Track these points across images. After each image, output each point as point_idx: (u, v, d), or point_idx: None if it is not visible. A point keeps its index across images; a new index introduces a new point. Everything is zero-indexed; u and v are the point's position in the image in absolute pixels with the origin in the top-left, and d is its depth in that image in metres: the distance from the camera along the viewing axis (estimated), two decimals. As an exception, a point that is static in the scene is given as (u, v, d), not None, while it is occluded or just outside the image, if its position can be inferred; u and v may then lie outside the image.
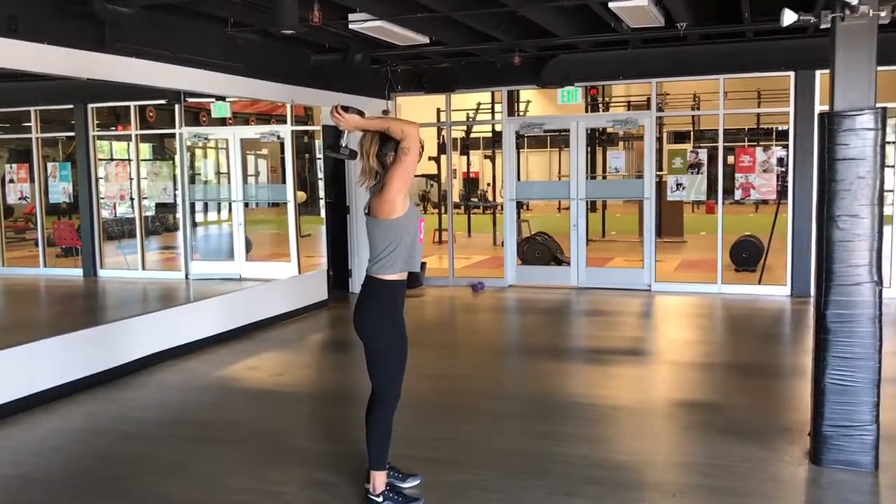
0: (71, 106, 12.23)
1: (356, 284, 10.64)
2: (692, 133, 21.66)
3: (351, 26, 7.50)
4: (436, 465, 4.50)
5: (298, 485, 4.29)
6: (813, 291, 4.44)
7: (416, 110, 13.81)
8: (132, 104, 11.92)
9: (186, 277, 11.99)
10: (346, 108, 3.75)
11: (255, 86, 8.21)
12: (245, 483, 4.31)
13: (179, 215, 12.15)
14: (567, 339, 8.33)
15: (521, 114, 14.98)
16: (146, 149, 13.09)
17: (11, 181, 13.09)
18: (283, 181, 11.44)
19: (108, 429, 5.31)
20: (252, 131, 12.17)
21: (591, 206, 17.38)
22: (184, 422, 5.47)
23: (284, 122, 11.09)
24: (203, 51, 7.32)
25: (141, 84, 6.87)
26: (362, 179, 3.94)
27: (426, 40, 8.37)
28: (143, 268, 12.48)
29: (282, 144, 11.35)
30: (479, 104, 16.51)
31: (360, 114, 3.82)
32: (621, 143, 20.42)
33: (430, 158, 16.87)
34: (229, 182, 11.94)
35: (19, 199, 13.09)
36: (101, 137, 12.68)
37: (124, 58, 6.44)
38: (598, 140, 16.98)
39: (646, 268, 10.25)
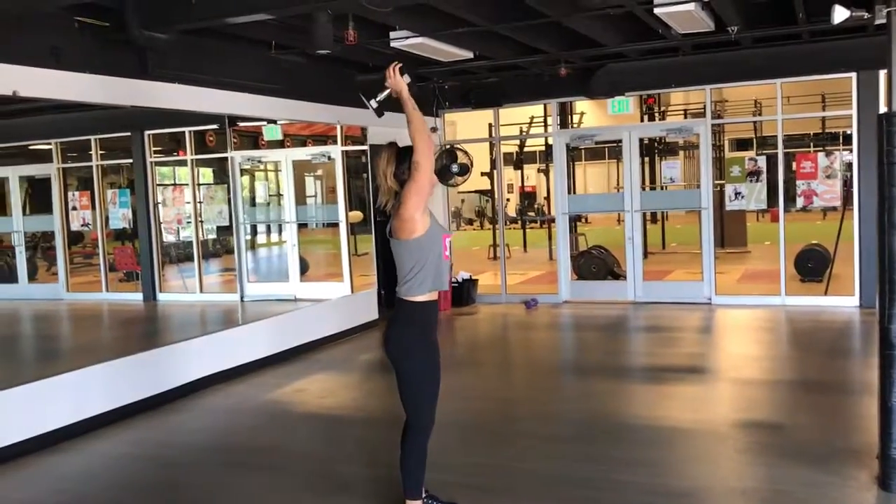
0: (129, 133, 12.50)
1: (408, 303, 10.55)
2: (754, 140, 21.10)
3: (393, 44, 7.45)
4: (478, 492, 4.34)
5: (334, 513, 4.18)
6: (877, 304, 4.15)
7: (468, 126, 13.76)
8: (186, 129, 12.11)
9: (242, 299, 12.08)
10: (404, 70, 3.70)
11: (299, 108, 8.22)
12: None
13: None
14: (622, 356, 8.05)
15: (575, 125, 14.78)
16: (209, 173, 13.27)
17: (74, 208, 13.41)
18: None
19: (151, 454, 5.29)
20: (303, 153, 12.22)
21: (652, 218, 17.06)
22: (227, 447, 5.41)
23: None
24: (246, 74, 7.35)
25: (184, 110, 6.91)
26: (382, 200, 3.83)
27: (470, 55, 8.26)
28: (201, 291, 12.62)
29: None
30: (532, 117, 16.36)
31: (411, 86, 3.75)
32: (681, 153, 20.00)
33: (482, 174, 16.75)
34: (280, 204, 12.02)
35: (82, 225, 13.39)
36: (158, 163, 12.90)
37: (166, 84, 6.49)
38: (657, 150, 16.64)
39: (705, 280, 9.91)
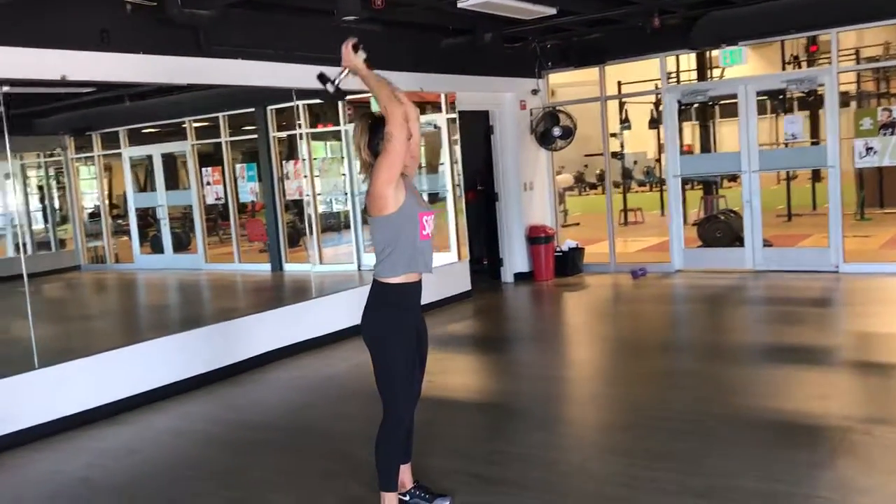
0: (252, 109, 12.84)
1: (508, 274, 10.27)
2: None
3: (460, 4, 7.10)
4: (481, 483, 4.04)
5: (335, 499, 4.02)
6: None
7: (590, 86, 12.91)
8: (300, 103, 12.28)
9: (359, 269, 12.20)
10: (358, 46, 3.46)
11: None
12: (283, 497, 4.12)
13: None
14: (720, 332, 7.37)
15: (714, 78, 13.72)
16: (331, 147, 13.39)
17: (209, 183, 14.04)
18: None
19: (193, 430, 5.36)
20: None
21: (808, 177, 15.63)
22: (265, 425, 5.39)
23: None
24: (312, 46, 7.23)
25: (245, 85, 6.92)
26: (363, 174, 3.59)
27: (552, 10, 7.75)
28: (321, 261, 12.87)
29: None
30: (670, 72, 15.38)
31: (368, 62, 3.51)
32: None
33: (611, 135, 16.01)
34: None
35: (215, 199, 13.99)
36: (280, 138, 13.20)
37: (223, 60, 6.50)
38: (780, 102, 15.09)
39: (832, 246, 8.93)
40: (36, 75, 5.50)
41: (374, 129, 3.45)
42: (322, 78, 3.60)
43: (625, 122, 16.12)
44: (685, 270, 9.92)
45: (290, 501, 4.07)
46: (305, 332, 7.27)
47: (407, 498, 3.79)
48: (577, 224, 16.41)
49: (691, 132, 24.17)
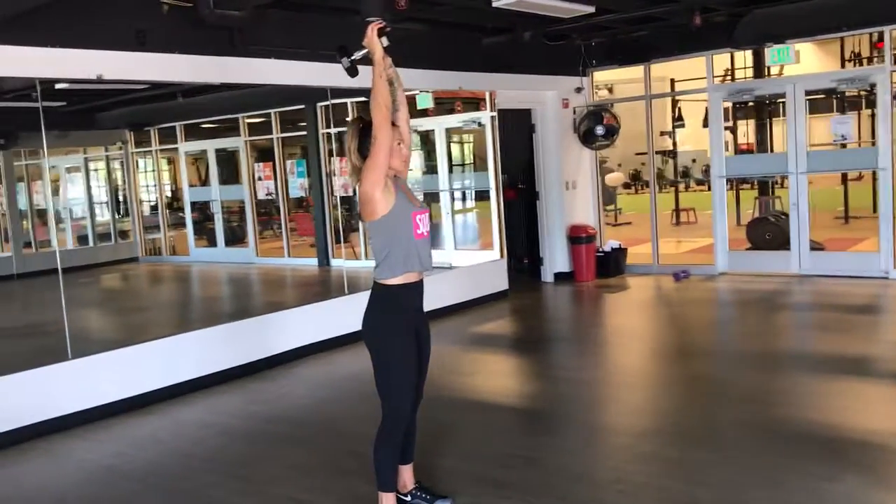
0: (303, 106, 13.02)
1: (548, 274, 10.21)
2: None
3: (495, 4, 7.08)
4: (488, 486, 4.04)
5: (337, 497, 4.07)
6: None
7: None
8: (349, 101, 12.40)
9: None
10: (383, 33, 3.49)
11: (413, 76, 8.06)
12: (290, 491, 4.18)
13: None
14: (755, 338, 7.18)
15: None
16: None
17: (259, 178, 14.29)
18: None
19: (217, 422, 5.48)
20: (455, 120, 12.11)
21: (858, 176, 15.12)
22: (287, 419, 5.48)
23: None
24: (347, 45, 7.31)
25: (280, 84, 7.02)
26: (352, 179, 3.62)
27: (590, 9, 7.67)
28: (366, 257, 12.97)
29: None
30: (727, 70, 15.05)
31: (388, 50, 3.54)
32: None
33: (661, 133, 15.77)
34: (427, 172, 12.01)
35: (266, 195, 14.22)
36: (329, 135, 13.34)
37: (257, 59, 6.61)
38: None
39: (882, 251, 8.64)
40: (73, 75, 5.69)
41: (364, 133, 3.48)
42: (342, 51, 3.65)
43: (678, 121, 15.82)
44: (729, 273, 9.72)
45: (291, 495, 4.13)
46: (339, 328, 7.35)
47: (408, 498, 3.81)
48: (629, 223, 16.21)
49: (751, 130, 23.69)
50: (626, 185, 22.88)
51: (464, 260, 11.03)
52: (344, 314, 7.50)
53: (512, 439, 4.71)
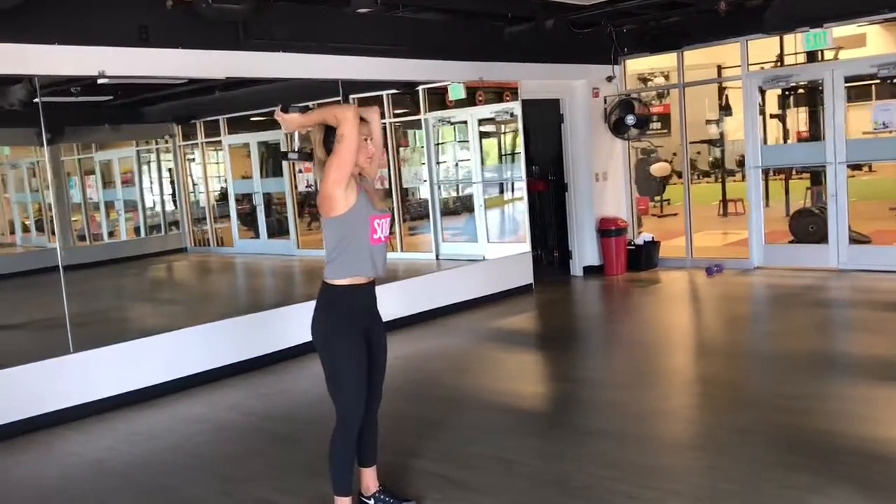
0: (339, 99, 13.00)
1: (577, 267, 10.01)
2: None
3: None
4: (453, 489, 3.94)
5: (306, 499, 4.02)
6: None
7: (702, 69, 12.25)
8: (384, 93, 12.34)
9: (437, 258, 12.19)
10: (286, 109, 3.38)
11: (431, 67, 7.98)
12: (264, 491, 4.14)
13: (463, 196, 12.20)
14: (784, 337, 6.89)
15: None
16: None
17: (300, 171, 14.37)
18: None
19: (215, 417, 5.49)
20: (487, 110, 11.95)
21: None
22: (282, 416, 5.48)
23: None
24: (361, 37, 7.25)
25: (287, 78, 7.00)
26: (316, 173, 3.55)
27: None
28: (402, 249, 12.93)
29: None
30: (779, 54, 14.49)
31: (305, 109, 3.43)
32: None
33: (707, 122, 15.32)
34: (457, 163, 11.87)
35: (306, 187, 14.29)
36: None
37: (264, 53, 6.59)
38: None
39: (926, 245, 8.22)
40: (75, 72, 5.76)
41: (329, 126, 3.39)
42: (284, 156, 3.65)
43: (725, 109, 15.33)
44: (764, 268, 9.37)
45: (264, 496, 4.10)
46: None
47: (371, 502, 3.74)
48: (675, 214, 15.81)
49: (803, 118, 22.86)
50: (681, 175, 22.36)
51: (497, 253, 10.91)
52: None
53: (495, 441, 4.59)
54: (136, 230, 16.46)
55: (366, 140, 3.43)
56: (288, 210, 14.21)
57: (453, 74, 8.36)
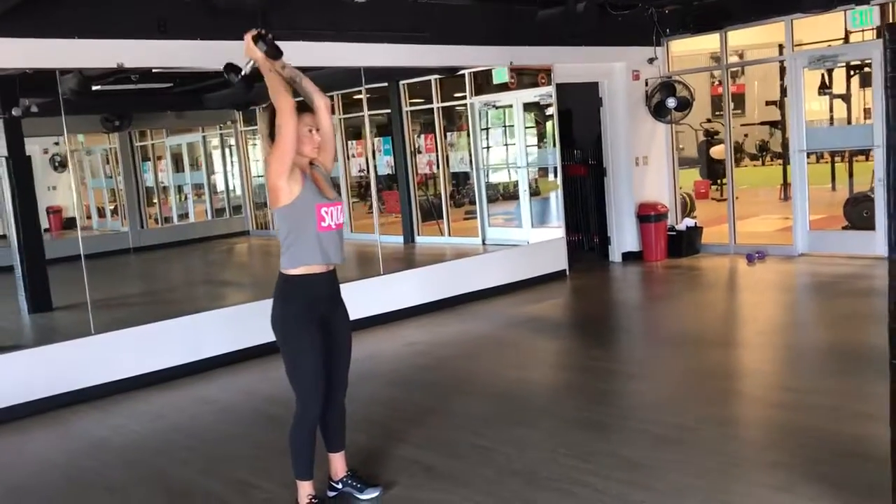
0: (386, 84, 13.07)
1: (616, 253, 9.87)
2: None
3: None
4: (425, 476, 3.98)
5: (279, 482, 4.10)
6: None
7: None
8: (432, 78, 12.35)
9: (483, 243, 12.18)
10: (259, 38, 3.41)
11: (457, 52, 7.95)
12: (243, 473, 4.26)
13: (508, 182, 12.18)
14: (813, 329, 6.69)
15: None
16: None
17: (353, 156, 14.53)
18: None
19: (224, 399, 5.66)
20: (531, 94, 11.83)
21: None
22: (286, 400, 5.54)
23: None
24: (382, 24, 7.28)
25: (306, 66, 7.06)
26: (266, 165, 3.61)
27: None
28: (449, 234, 12.96)
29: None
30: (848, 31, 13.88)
31: (278, 52, 3.44)
32: None
33: (766, 104, 14.80)
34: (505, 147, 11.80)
35: (358, 171, 14.45)
36: (413, 113, 13.34)
37: (283, 43, 6.65)
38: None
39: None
40: (94, 64, 5.97)
41: (273, 118, 3.43)
42: (230, 68, 3.63)
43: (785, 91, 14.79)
44: (808, 255, 9.05)
45: (240, 475, 4.22)
46: (379, 306, 7.39)
47: (339, 486, 3.81)
48: (737, 198, 15.37)
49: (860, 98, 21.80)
50: (753, 157, 21.71)
51: (540, 239, 10.83)
52: (386, 292, 7.55)
53: (480, 429, 4.59)
54: (204, 213, 16.98)
55: (311, 131, 3.47)
56: (342, 193, 14.39)
57: (480, 60, 8.32)
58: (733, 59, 13.19)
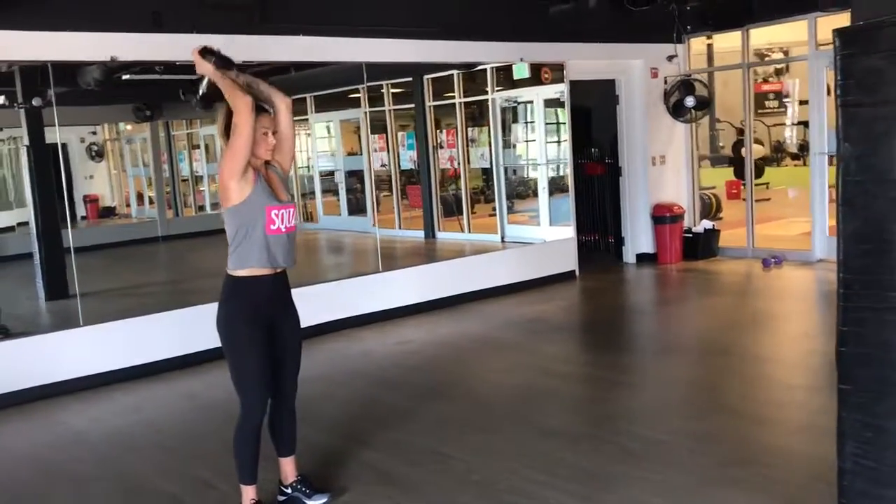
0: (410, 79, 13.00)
1: (630, 254, 9.67)
2: None
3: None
4: (378, 482, 3.91)
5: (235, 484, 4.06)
6: None
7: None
8: (454, 73, 12.24)
9: (502, 240, 12.04)
10: (206, 52, 3.41)
11: (465, 48, 7.83)
12: (205, 472, 4.22)
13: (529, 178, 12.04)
14: (811, 339, 6.44)
15: None
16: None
17: (375, 150, 14.49)
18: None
19: (205, 394, 5.64)
20: (552, 90, 11.64)
21: None
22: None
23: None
24: (387, 20, 7.19)
25: (307, 61, 7.03)
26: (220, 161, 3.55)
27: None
28: (470, 230, 12.85)
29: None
30: None
31: (227, 63, 3.41)
32: None
33: (800, 103, 14.34)
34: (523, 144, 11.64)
35: (381, 165, 14.40)
36: (437, 107, 13.24)
37: (281, 37, 6.64)
38: None
39: None
40: (87, 57, 5.98)
41: (229, 115, 3.38)
42: (187, 89, 3.64)
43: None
44: (828, 260, 8.74)
45: (201, 473, 4.20)
46: (378, 304, 7.33)
47: (289, 491, 3.75)
48: (768, 199, 14.98)
49: None
50: (795, 157, 21.13)
51: (556, 237, 10.67)
52: (384, 290, 7.49)
53: (446, 435, 4.49)
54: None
55: (266, 133, 3.40)
56: (365, 187, 14.37)
57: (489, 55, 8.19)
58: (777, 55, 12.86)
